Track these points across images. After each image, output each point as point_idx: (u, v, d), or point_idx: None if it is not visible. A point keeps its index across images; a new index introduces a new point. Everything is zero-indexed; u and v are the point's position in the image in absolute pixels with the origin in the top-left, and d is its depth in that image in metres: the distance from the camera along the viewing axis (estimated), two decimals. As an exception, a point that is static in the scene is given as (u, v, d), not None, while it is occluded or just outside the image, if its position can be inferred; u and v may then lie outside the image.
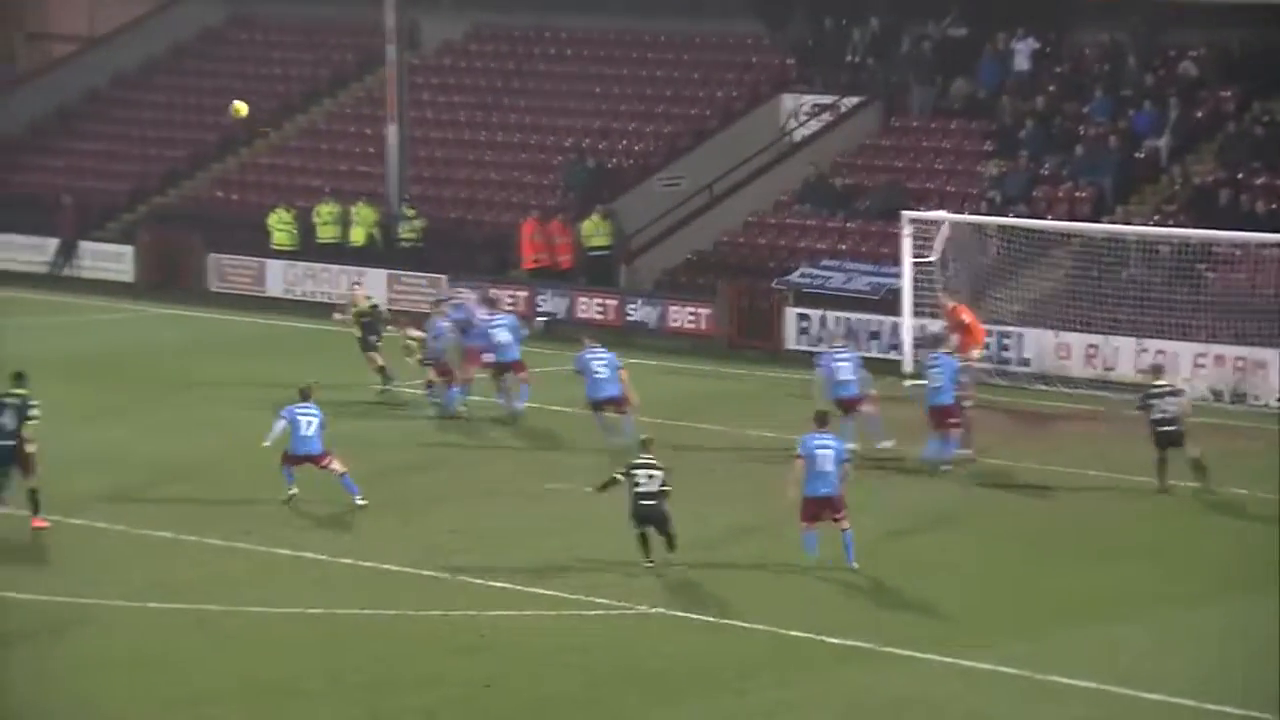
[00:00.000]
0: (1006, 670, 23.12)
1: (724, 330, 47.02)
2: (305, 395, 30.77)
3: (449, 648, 24.01)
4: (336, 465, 30.35)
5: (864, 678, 23.07)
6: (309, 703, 21.92)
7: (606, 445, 33.77)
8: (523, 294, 49.79)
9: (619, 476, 27.38)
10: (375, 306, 41.54)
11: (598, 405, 34.75)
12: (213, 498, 31.11)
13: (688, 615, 25.52)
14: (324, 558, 27.76)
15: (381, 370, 39.66)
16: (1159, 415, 31.90)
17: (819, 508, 27.27)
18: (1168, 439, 31.84)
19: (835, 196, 49.65)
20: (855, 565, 27.11)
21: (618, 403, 34.61)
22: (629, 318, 48.55)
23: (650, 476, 27.17)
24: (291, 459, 30.29)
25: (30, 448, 28.68)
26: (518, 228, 51.83)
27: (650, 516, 27.15)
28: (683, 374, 43.91)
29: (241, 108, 37.58)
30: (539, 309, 49.30)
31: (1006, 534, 29.92)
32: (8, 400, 28.94)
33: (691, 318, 47.80)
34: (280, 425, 30.29)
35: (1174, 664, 23.57)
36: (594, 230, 51.00)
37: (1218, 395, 39.74)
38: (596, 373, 34.63)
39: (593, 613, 25.57)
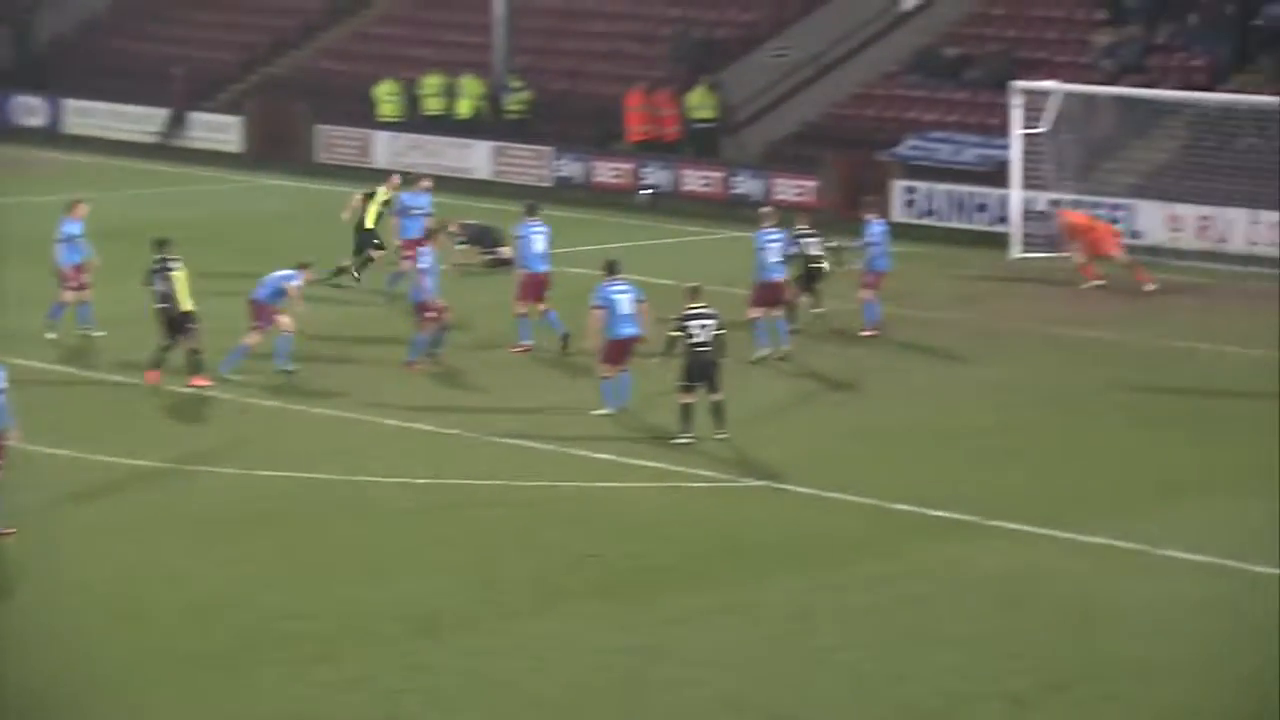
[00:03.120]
0: (1121, 545, 22.94)
1: (831, 203, 46.76)
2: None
3: (554, 518, 24.12)
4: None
5: (967, 551, 22.96)
6: (420, 572, 22.08)
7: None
8: (627, 166, 49.63)
9: (674, 332, 27.25)
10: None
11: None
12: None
13: (793, 489, 25.51)
14: (430, 428, 27.91)
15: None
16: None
17: None
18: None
19: (944, 67, 49.12)
20: None
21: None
22: (734, 191, 48.37)
23: (703, 326, 27.15)
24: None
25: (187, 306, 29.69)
26: (623, 99, 51.65)
27: (704, 367, 26.97)
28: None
29: None
30: (643, 182, 49.15)
31: (1114, 409, 29.73)
32: (163, 267, 29.83)
33: (798, 190, 47.56)
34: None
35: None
36: (700, 102, 50.73)
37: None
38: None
39: (697, 485, 25.61)
